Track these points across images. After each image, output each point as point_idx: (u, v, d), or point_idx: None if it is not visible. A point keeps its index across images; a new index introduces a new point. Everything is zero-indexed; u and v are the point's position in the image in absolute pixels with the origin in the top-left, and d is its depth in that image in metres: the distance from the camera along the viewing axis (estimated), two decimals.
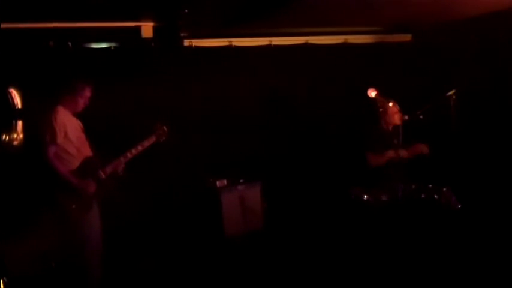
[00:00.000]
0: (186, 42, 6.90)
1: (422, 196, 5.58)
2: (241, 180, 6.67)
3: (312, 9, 5.76)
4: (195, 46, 6.93)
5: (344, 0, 5.33)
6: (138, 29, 6.51)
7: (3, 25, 5.34)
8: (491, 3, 5.88)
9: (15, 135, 3.20)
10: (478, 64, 6.87)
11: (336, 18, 6.44)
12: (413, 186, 5.59)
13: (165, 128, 5.50)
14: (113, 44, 6.52)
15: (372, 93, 4.45)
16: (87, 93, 5.15)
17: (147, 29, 6.53)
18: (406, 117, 5.72)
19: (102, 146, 5.24)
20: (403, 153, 5.54)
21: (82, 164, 5.00)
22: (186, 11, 5.67)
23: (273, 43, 7.30)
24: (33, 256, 4.99)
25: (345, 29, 7.45)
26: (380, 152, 5.74)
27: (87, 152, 5.11)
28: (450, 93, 5.36)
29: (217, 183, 6.51)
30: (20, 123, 3.21)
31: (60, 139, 4.86)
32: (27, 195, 5.53)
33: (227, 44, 7.08)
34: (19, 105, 3.25)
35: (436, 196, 5.57)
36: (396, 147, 5.12)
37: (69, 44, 6.24)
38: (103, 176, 5.05)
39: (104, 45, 6.50)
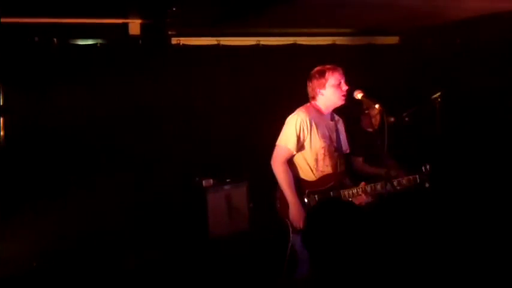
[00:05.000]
0: (174, 40, 6.87)
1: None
2: (227, 180, 6.65)
3: (300, 10, 5.76)
4: (182, 44, 6.90)
5: (332, 2, 5.33)
6: (125, 26, 6.50)
7: None
8: (475, 8, 5.92)
9: None
10: (464, 67, 6.92)
11: (324, 19, 6.45)
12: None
13: (428, 166, 4.35)
14: (99, 41, 6.48)
15: (358, 94, 4.42)
16: (338, 77, 4.25)
17: (134, 26, 6.51)
18: (392, 119, 5.74)
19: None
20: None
21: (318, 180, 4.23)
22: (174, 8, 5.65)
23: (261, 43, 7.28)
24: (20, 256, 4.93)
25: (334, 30, 7.47)
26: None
27: (332, 165, 4.26)
28: (436, 95, 5.38)
29: (204, 182, 6.48)
30: (1, 120, 3.18)
31: (295, 149, 4.20)
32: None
33: (215, 42, 7.06)
34: (1, 102, 3.21)
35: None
36: (380, 148, 5.13)
37: (55, 40, 6.19)
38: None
39: (90, 41, 6.45)
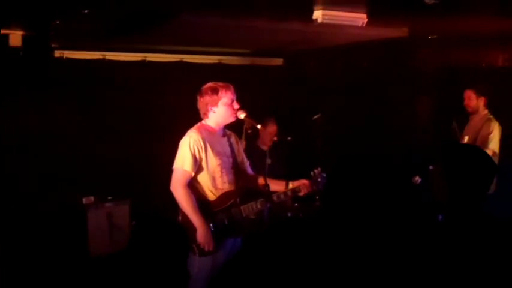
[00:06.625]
0: (57, 53, 6.71)
1: (289, 215, 5.73)
2: (109, 197, 6.52)
3: (186, 29, 5.81)
4: (66, 58, 6.74)
5: (217, 23, 5.42)
6: (5, 37, 6.24)
7: None
8: (353, 35, 6.21)
9: None
10: (343, 89, 7.28)
11: (210, 39, 6.55)
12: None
13: (324, 175, 4.39)
14: None
15: (241, 114, 4.52)
16: (230, 96, 4.25)
17: (15, 37, 6.27)
18: (276, 139, 5.93)
19: None
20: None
21: (218, 198, 4.18)
22: (58, 22, 5.52)
23: (148, 59, 7.27)
24: None
25: (220, 49, 7.60)
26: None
27: (230, 182, 4.23)
28: (316, 116, 5.62)
29: (84, 200, 6.32)
30: None
31: (193, 169, 4.09)
32: None
33: (100, 57, 6.96)
34: None
35: (301, 215, 5.74)
36: (270, 167, 5.27)
37: None
38: (235, 217, 4.19)
39: None
